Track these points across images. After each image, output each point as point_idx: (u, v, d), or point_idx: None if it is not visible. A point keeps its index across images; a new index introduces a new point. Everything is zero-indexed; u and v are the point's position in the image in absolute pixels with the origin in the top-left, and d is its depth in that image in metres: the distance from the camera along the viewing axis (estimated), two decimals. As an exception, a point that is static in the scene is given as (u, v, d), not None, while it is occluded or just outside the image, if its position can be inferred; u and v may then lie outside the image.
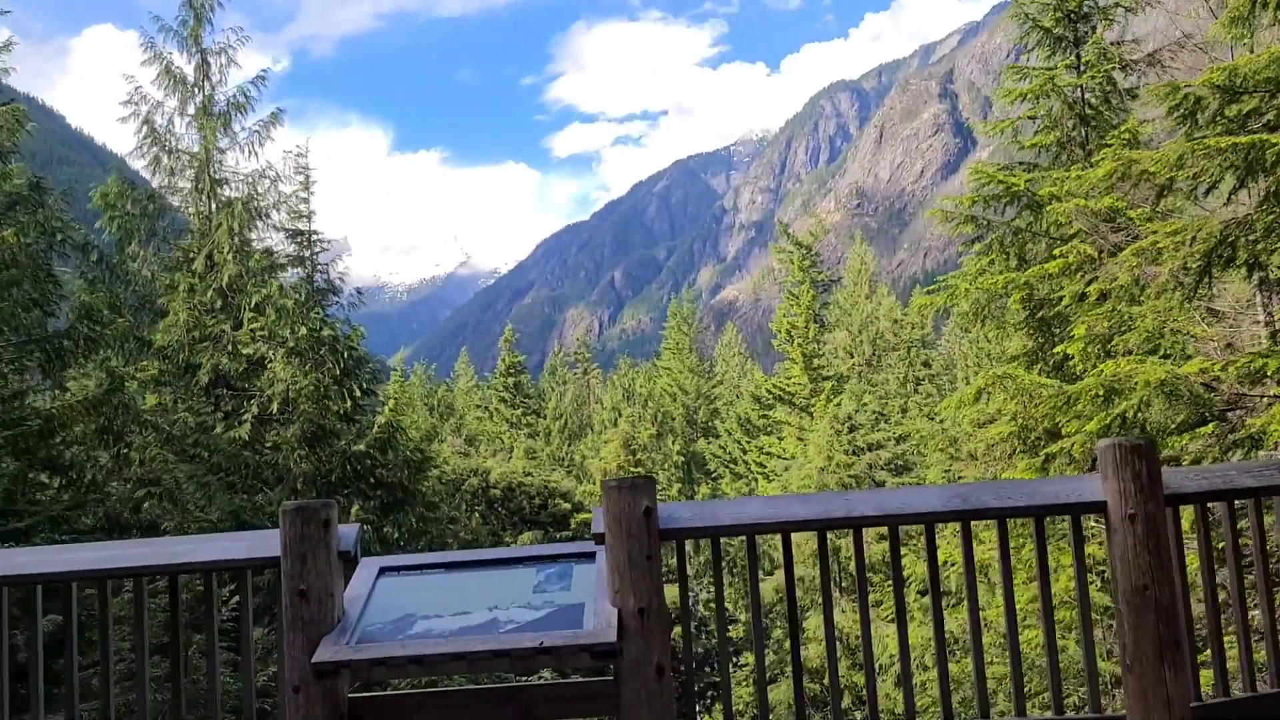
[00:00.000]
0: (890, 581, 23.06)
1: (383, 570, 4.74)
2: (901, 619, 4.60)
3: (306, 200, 28.11)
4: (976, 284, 14.03)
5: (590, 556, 4.71)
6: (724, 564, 33.41)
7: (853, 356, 60.43)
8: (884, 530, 4.80)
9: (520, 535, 29.00)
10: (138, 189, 17.73)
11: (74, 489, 15.83)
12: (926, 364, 62.96)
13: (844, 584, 28.11)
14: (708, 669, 32.92)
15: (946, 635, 4.44)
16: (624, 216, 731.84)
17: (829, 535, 4.70)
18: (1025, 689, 4.49)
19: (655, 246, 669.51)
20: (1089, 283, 11.60)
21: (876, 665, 24.25)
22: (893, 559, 4.65)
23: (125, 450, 15.68)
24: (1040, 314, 14.33)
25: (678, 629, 5.87)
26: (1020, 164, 15.40)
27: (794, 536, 4.79)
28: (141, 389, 18.23)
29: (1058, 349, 13.21)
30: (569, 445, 51.75)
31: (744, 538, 4.66)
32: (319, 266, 27.81)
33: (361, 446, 15.78)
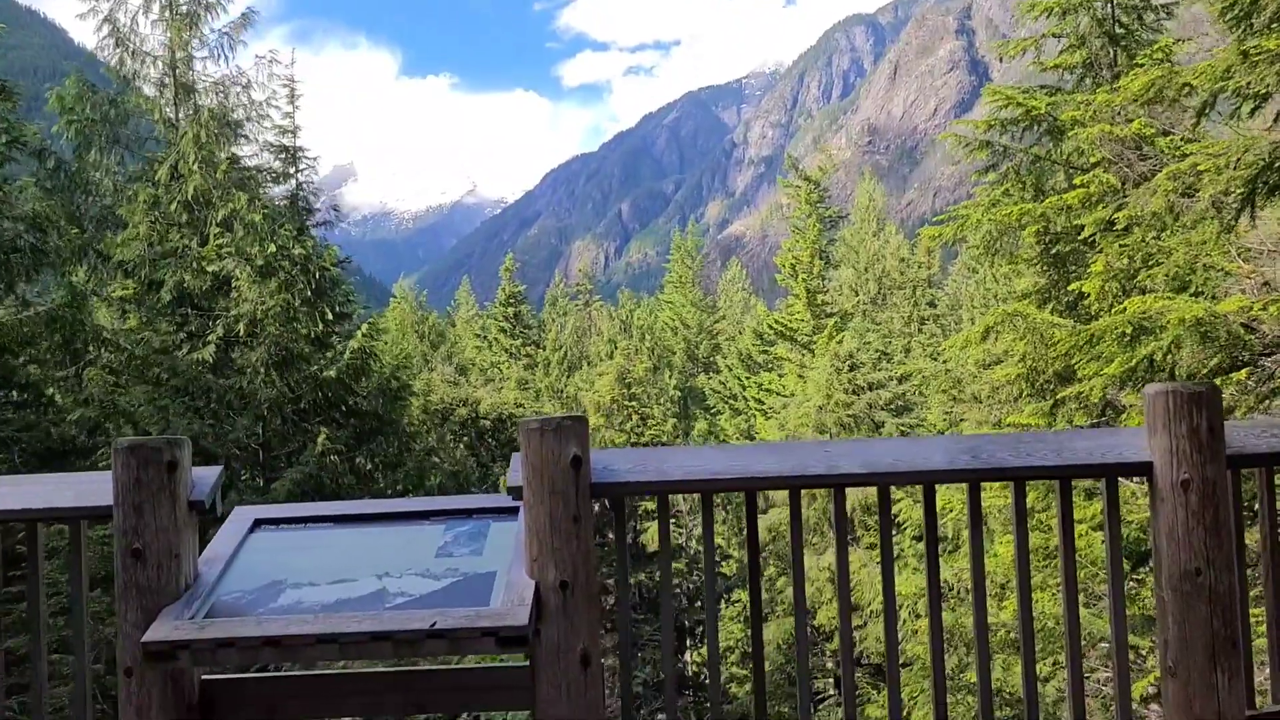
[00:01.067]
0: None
1: (256, 524, 3.87)
2: (890, 624, 3.70)
3: (291, 115, 27.16)
4: (989, 215, 13.01)
5: (514, 512, 3.87)
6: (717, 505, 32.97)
7: (857, 294, 59.41)
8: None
9: (509, 469, 28.34)
10: (99, 92, 16.66)
11: (31, 409, 15.08)
12: (932, 304, 62.04)
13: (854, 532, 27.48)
14: (697, 605, 32.56)
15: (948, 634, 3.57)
16: (633, 148, 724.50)
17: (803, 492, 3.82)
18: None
19: (664, 179, 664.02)
20: (1117, 209, 10.59)
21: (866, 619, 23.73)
22: (882, 526, 3.77)
23: (83, 369, 14.87)
24: (1055, 249, 13.34)
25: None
26: (1042, 87, 14.27)
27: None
28: (108, 307, 17.38)
29: (1073, 286, 12.26)
30: (568, 377, 51.05)
31: (698, 494, 3.76)
32: (304, 185, 26.94)
33: (333, 373, 14.94)
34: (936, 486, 3.83)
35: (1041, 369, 12.49)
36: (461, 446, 24.18)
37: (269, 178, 19.95)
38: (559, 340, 55.58)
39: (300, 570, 3.55)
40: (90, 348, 15.72)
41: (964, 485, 3.73)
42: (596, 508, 3.63)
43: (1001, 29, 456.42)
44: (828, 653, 26.91)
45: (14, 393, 14.61)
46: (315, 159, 27.28)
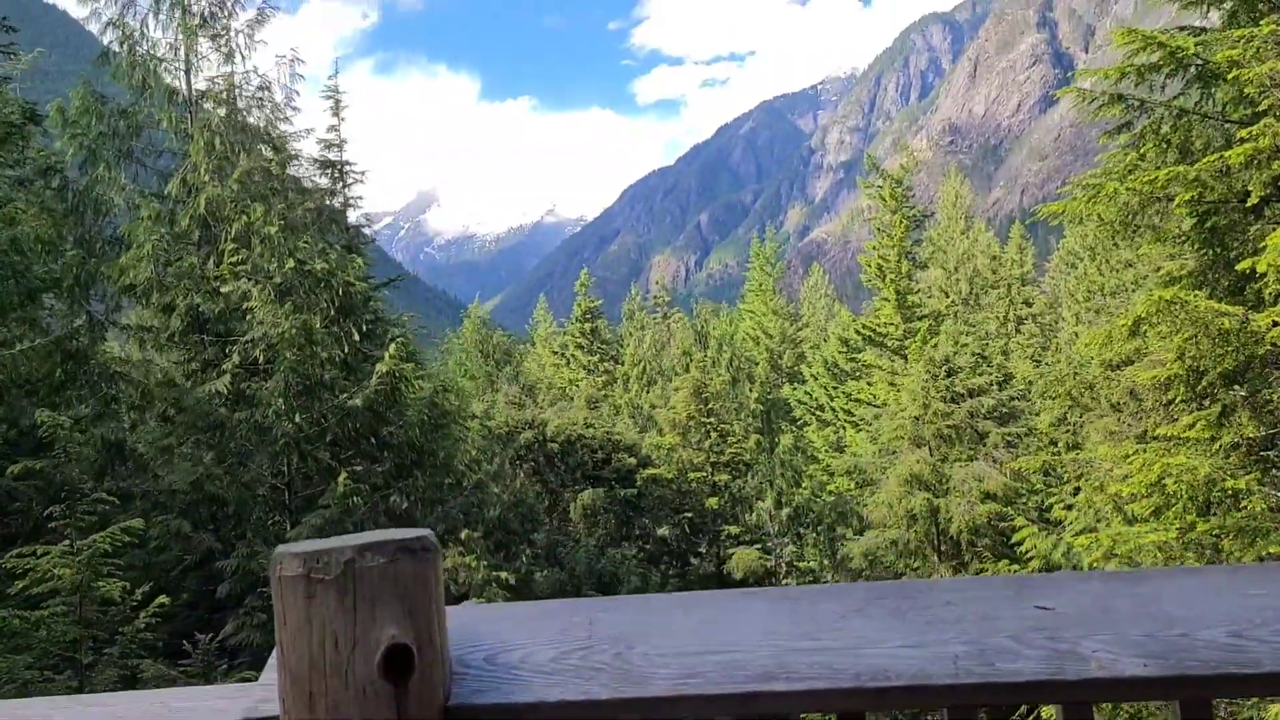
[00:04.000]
0: (999, 544, 19.44)
1: None
2: None
3: (337, 128, 25.73)
4: (1127, 183, 10.58)
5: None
6: (805, 525, 30.44)
7: (948, 295, 56.39)
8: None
9: (580, 494, 26.38)
10: (108, 103, 15.20)
11: (32, 453, 13.58)
12: (1028, 303, 58.73)
13: (942, 548, 24.85)
14: None
15: None
16: (710, 160, 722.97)
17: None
18: None
19: (742, 190, 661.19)
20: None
21: None
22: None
23: (87, 406, 13.34)
24: (1211, 222, 10.84)
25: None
26: (1181, 28, 11.77)
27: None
28: (126, 337, 15.90)
29: (1242, 265, 9.78)
30: (647, 392, 49.13)
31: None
32: (351, 200, 25.44)
33: (359, 401, 13.12)
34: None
35: (1205, 368, 10.03)
36: (521, 474, 22.29)
37: (318, 196, 18.41)
38: (637, 355, 53.69)
39: None
40: (104, 383, 14.24)
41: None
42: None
43: (1085, 19, 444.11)
44: None
45: (12, 433, 13.15)
46: (363, 173, 25.91)
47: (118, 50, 15.07)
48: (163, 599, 9.07)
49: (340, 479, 12.09)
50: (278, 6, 16.28)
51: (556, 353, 56.65)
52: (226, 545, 12.05)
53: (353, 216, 17.52)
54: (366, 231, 15.64)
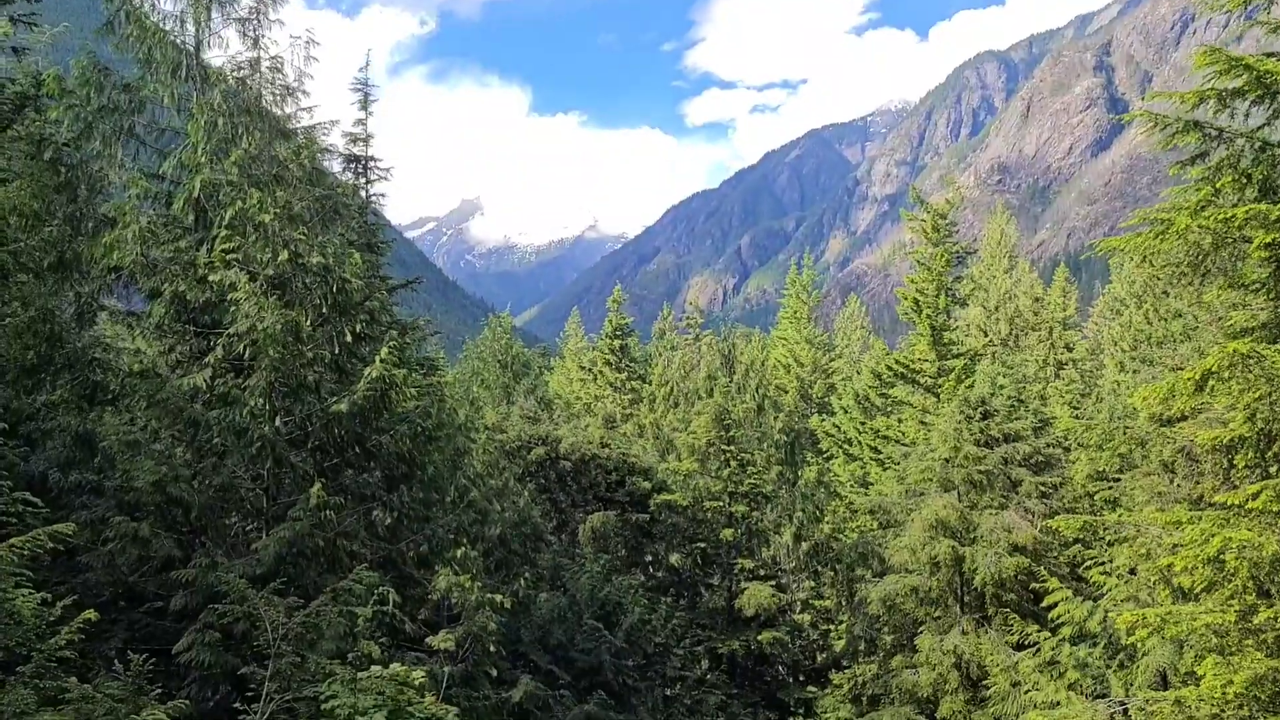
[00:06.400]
0: (1025, 600, 18.13)
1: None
2: None
3: (364, 122, 24.96)
4: (1199, 220, 9.44)
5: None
6: (824, 564, 29.13)
7: (986, 335, 54.97)
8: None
9: (590, 515, 25.31)
10: (111, 76, 14.45)
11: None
12: (1069, 347, 57.16)
13: (965, 599, 23.52)
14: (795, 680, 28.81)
15: None
16: (754, 185, 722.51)
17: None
18: None
19: (784, 217, 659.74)
20: None
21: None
22: None
23: (53, 396, 12.52)
24: (1291, 268, 9.69)
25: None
26: (1270, 54, 10.61)
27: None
28: (116, 323, 15.09)
29: (1328, 318, 8.62)
30: (670, 414, 48.05)
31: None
32: (374, 197, 24.62)
33: (344, 406, 12.18)
34: None
35: (1277, 432, 8.86)
36: (525, 493, 21.25)
37: (327, 185, 17.56)
38: (665, 376, 52.65)
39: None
40: (84, 370, 13.41)
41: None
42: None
43: (1143, 66, 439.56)
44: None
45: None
46: (388, 169, 25.09)
47: (123, 21, 14.31)
48: (89, 613, 8.13)
49: (314, 489, 11.12)
50: (338, 8, 15.56)
51: (584, 368, 55.72)
52: (186, 553, 11.13)
53: (389, 210, 16.53)
54: (409, 234, 14.73)
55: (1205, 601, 9.75)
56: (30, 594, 7.47)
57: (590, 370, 54.52)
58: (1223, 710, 9.58)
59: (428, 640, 12.01)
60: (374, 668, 8.84)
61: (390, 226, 17.80)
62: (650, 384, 51.44)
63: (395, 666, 8.92)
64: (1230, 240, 9.51)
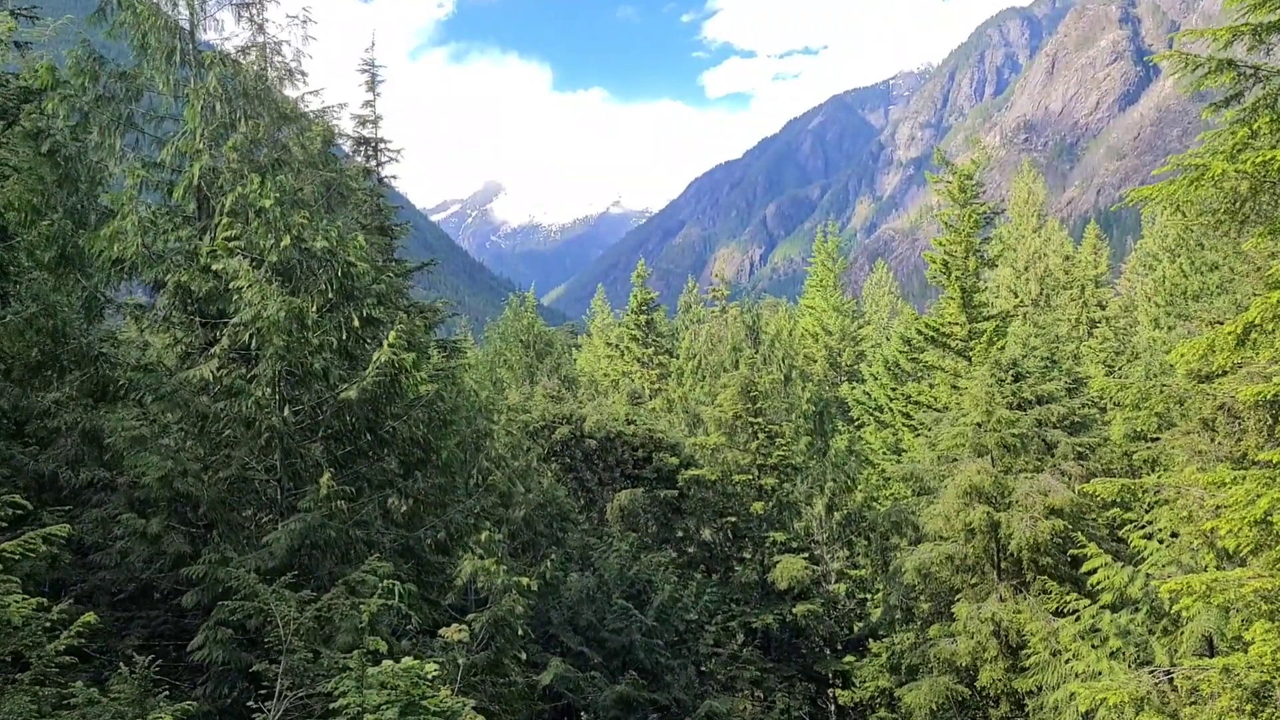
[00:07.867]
0: (1063, 565, 17.65)
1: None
2: None
3: (372, 104, 24.60)
4: (1236, 164, 8.91)
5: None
6: (857, 533, 28.71)
7: (1017, 295, 54.07)
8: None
9: (618, 494, 25.01)
10: (107, 64, 14.18)
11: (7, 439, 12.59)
12: (1102, 305, 56.17)
13: (1002, 566, 23.02)
14: (830, 651, 28.45)
15: None
16: (778, 154, 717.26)
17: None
18: None
19: (809, 185, 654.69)
20: None
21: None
22: None
23: (61, 393, 12.33)
24: (1336, 212, 9.13)
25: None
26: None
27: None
28: (123, 316, 14.87)
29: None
30: (698, 388, 47.68)
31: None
32: (385, 180, 24.28)
33: (353, 393, 11.89)
34: None
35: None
36: (550, 474, 20.94)
37: (334, 168, 17.22)
38: (692, 349, 52.22)
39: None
40: (90, 365, 13.21)
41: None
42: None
43: (1170, 15, 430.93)
44: (993, 723, 22.35)
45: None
46: (398, 151, 24.74)
47: (115, 7, 14.00)
48: (90, 616, 7.90)
49: (324, 479, 10.85)
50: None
51: (611, 344, 55.39)
52: (196, 549, 10.91)
53: (413, 195, 16.21)
54: (434, 217, 14.43)
55: (1252, 565, 9.28)
56: (23, 599, 7.22)
57: (617, 346, 54.17)
58: (1273, 677, 9.14)
59: (440, 632, 11.74)
60: (386, 662, 8.57)
61: (414, 210, 17.40)
62: (678, 358, 51.06)
63: (408, 660, 8.64)
64: (1269, 184, 8.96)
